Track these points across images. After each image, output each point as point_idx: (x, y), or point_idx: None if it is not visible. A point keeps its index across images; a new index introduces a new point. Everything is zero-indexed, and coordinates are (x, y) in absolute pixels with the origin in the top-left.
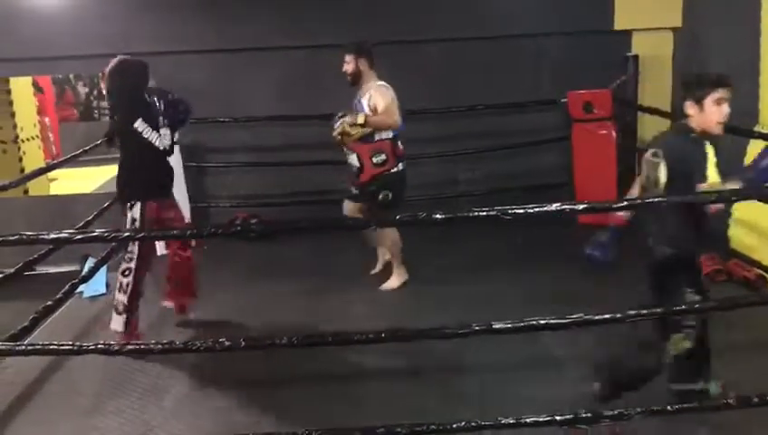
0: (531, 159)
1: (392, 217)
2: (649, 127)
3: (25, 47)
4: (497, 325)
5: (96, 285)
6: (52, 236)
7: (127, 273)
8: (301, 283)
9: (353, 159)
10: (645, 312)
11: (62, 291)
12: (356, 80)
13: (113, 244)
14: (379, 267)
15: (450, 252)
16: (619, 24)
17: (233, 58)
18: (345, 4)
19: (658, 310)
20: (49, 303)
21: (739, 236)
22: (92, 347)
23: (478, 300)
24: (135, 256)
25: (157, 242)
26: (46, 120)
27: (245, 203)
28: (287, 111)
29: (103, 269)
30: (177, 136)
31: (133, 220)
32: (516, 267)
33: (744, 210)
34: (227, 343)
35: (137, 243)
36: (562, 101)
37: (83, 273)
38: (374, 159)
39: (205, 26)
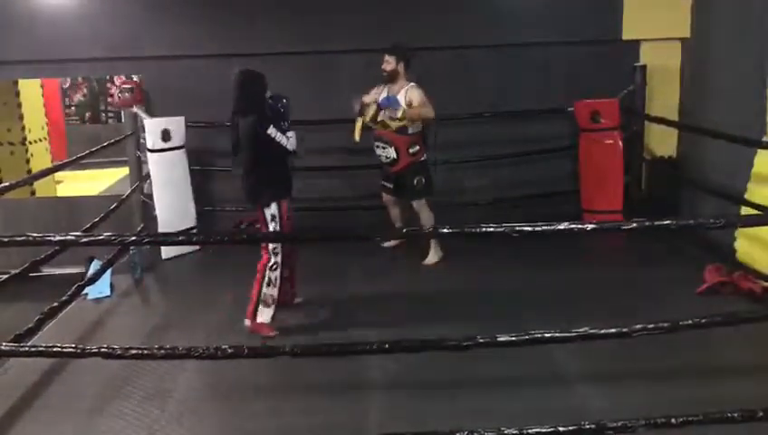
0: (537, 168)
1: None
2: (656, 137)
3: (34, 50)
4: (502, 338)
5: (101, 288)
6: (59, 237)
7: (274, 267)
8: (305, 288)
9: (390, 152)
10: (651, 326)
11: (68, 293)
12: (393, 78)
13: (119, 247)
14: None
15: (455, 258)
16: (628, 34)
17: (241, 63)
18: (353, 10)
19: (665, 324)
20: (54, 304)
21: (745, 248)
22: (95, 350)
23: (485, 308)
24: (280, 251)
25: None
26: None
27: (251, 207)
28: (294, 116)
29: (108, 272)
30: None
31: (273, 217)
32: (521, 272)
33: None
34: (230, 351)
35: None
36: (570, 109)
37: (88, 275)
38: (410, 150)
39: (214, 31)
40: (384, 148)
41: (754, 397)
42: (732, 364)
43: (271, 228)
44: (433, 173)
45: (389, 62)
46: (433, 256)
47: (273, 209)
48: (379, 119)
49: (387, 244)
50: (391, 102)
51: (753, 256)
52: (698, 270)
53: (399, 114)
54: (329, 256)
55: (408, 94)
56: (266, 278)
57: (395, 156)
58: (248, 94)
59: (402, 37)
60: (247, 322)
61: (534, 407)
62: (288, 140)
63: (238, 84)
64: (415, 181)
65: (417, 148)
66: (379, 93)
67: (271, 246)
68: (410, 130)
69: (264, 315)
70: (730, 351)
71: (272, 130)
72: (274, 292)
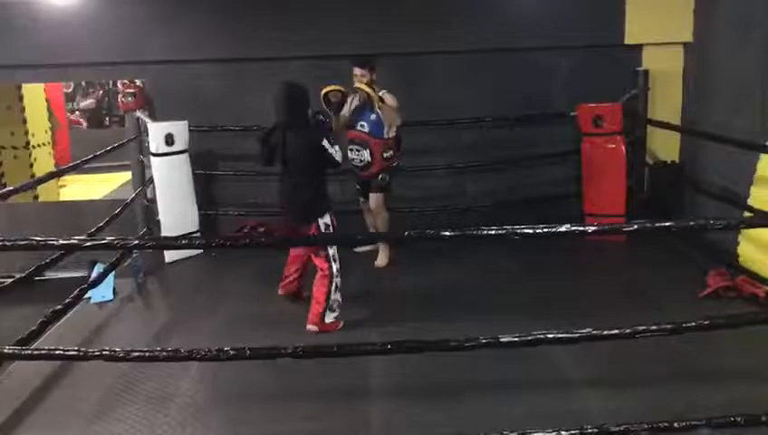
0: (540, 172)
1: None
2: (659, 141)
3: (37, 54)
4: (504, 339)
5: (104, 291)
6: (63, 241)
7: (337, 274)
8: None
9: (365, 155)
10: (654, 328)
11: (71, 296)
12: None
13: (122, 250)
14: (369, 247)
15: (458, 261)
16: (630, 38)
17: (244, 67)
18: (355, 15)
19: (668, 326)
20: (57, 308)
21: (748, 252)
22: (98, 353)
23: (486, 310)
24: (337, 257)
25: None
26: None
27: (254, 212)
28: None
29: (111, 275)
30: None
31: (327, 226)
32: (523, 276)
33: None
34: (232, 353)
35: (334, 246)
36: (572, 114)
37: (91, 278)
38: (384, 154)
39: (217, 36)
40: (359, 150)
41: (758, 401)
42: (735, 368)
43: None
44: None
45: (364, 75)
46: (383, 258)
47: (327, 219)
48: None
49: (359, 249)
50: (366, 115)
51: (755, 261)
52: (701, 274)
53: (373, 92)
54: None
55: (384, 95)
56: (334, 285)
57: (369, 159)
58: (299, 109)
59: (403, 42)
60: (313, 327)
61: (537, 410)
62: (338, 154)
63: (287, 98)
64: (380, 177)
65: (391, 153)
66: (352, 103)
67: (330, 252)
68: (385, 135)
69: (331, 318)
70: (733, 354)
71: (325, 143)
72: (339, 297)
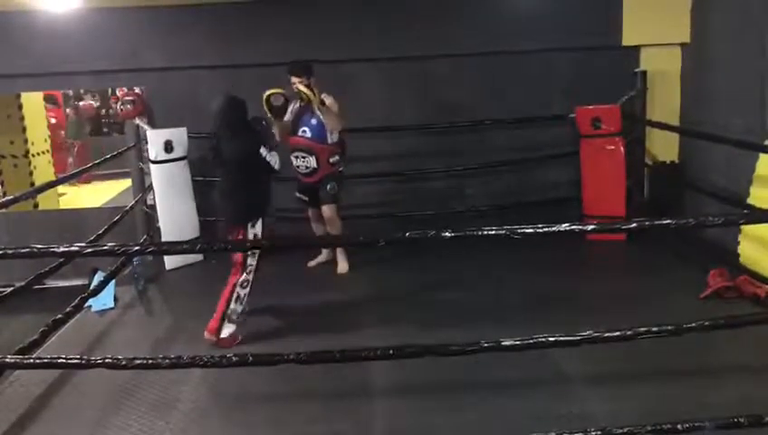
0: (539, 174)
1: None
2: (658, 142)
3: (36, 63)
4: (506, 342)
5: (104, 300)
6: (63, 249)
7: (245, 285)
8: (309, 296)
9: (310, 161)
10: (655, 329)
11: (71, 305)
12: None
13: (122, 258)
14: (322, 258)
15: (458, 264)
16: (628, 40)
17: (242, 74)
18: (353, 20)
19: (669, 327)
20: (58, 316)
21: (749, 252)
22: (100, 361)
23: (487, 313)
24: (254, 270)
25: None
26: (62, 133)
27: None
28: None
29: (112, 283)
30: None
31: (255, 235)
32: (524, 279)
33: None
34: (235, 359)
35: (257, 257)
36: (571, 116)
37: (92, 287)
38: (330, 160)
39: (215, 43)
40: (304, 158)
41: (761, 401)
42: (737, 368)
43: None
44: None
45: (302, 82)
46: (344, 264)
47: (257, 228)
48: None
49: (312, 262)
50: (308, 120)
51: (756, 260)
52: (701, 274)
53: (316, 94)
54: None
55: (327, 98)
56: (235, 294)
57: (315, 165)
58: (234, 118)
59: (403, 46)
60: (210, 336)
61: (539, 413)
62: (274, 160)
63: (223, 109)
64: (328, 187)
65: (337, 158)
66: (293, 110)
67: (248, 262)
68: (330, 140)
69: (227, 331)
70: (735, 354)
71: (262, 150)
72: (239, 308)
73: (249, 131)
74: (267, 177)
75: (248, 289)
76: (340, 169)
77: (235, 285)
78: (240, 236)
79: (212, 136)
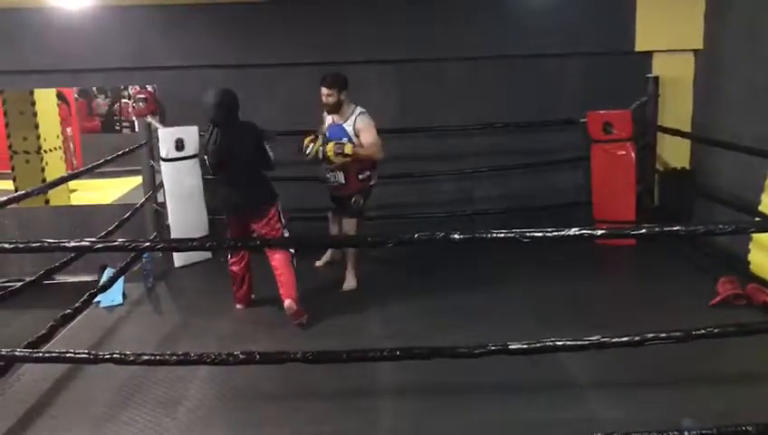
0: (549, 179)
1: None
2: (669, 148)
3: (49, 60)
4: (513, 346)
5: (113, 296)
6: (74, 244)
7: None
8: (315, 297)
9: (339, 177)
10: (664, 335)
11: (80, 300)
12: (336, 109)
13: (132, 255)
14: (327, 258)
15: (467, 267)
16: (640, 45)
17: (253, 73)
18: (365, 22)
19: (678, 334)
20: (67, 311)
21: (759, 260)
22: (108, 356)
23: (495, 315)
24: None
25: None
26: (68, 130)
27: None
28: (305, 126)
29: (121, 280)
30: None
31: (279, 213)
32: (533, 284)
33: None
34: (242, 357)
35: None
36: (582, 121)
37: (101, 283)
38: (360, 176)
39: (227, 42)
40: (333, 171)
41: None
42: (746, 376)
43: (279, 225)
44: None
45: (331, 95)
46: (351, 281)
47: (279, 207)
48: (311, 151)
49: (318, 262)
50: (339, 133)
51: (767, 268)
52: (711, 282)
53: (346, 149)
54: (336, 266)
55: (357, 123)
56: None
57: (343, 181)
58: (234, 114)
59: (415, 48)
60: (292, 303)
61: (547, 417)
62: (272, 155)
63: (225, 103)
64: (353, 200)
65: (368, 173)
66: (326, 122)
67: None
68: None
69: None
70: (744, 362)
71: (266, 145)
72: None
73: (242, 124)
74: (268, 170)
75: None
76: (371, 183)
77: (292, 258)
78: (264, 222)
79: (210, 128)
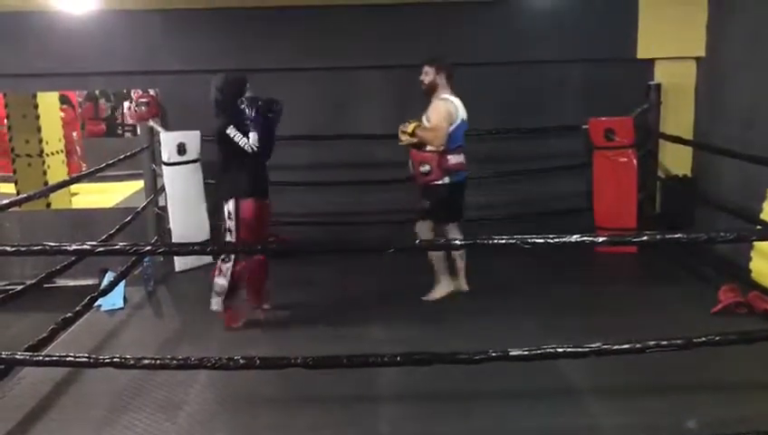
0: (551, 185)
1: (411, 242)
2: (671, 155)
3: (54, 63)
4: (514, 352)
5: (114, 299)
6: (75, 247)
7: (226, 259)
8: (318, 304)
9: (409, 165)
10: (665, 343)
11: (81, 304)
12: (430, 91)
13: (133, 258)
14: (444, 290)
15: (468, 273)
16: (643, 52)
17: (256, 78)
18: (369, 27)
19: (679, 341)
20: (68, 315)
21: (761, 268)
22: (108, 360)
23: (496, 321)
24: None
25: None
26: (74, 134)
27: None
28: (312, 131)
29: (122, 284)
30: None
31: (228, 214)
32: (534, 290)
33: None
34: (242, 361)
35: (233, 235)
36: (584, 127)
37: (102, 286)
38: (421, 169)
39: (230, 46)
40: (409, 161)
41: None
42: (747, 384)
43: (227, 225)
44: (448, 202)
45: (427, 73)
46: (437, 291)
47: (229, 206)
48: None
49: (427, 297)
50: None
51: None
52: (713, 289)
53: (409, 128)
54: (331, 269)
55: (429, 111)
56: (218, 270)
57: (411, 171)
58: (219, 97)
59: (418, 54)
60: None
61: (547, 424)
62: (246, 143)
63: (212, 89)
64: (422, 203)
65: (428, 168)
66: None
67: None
68: (426, 147)
69: (215, 304)
70: (745, 370)
71: (230, 130)
72: (224, 282)
73: (227, 111)
74: (245, 159)
75: (230, 264)
76: (436, 181)
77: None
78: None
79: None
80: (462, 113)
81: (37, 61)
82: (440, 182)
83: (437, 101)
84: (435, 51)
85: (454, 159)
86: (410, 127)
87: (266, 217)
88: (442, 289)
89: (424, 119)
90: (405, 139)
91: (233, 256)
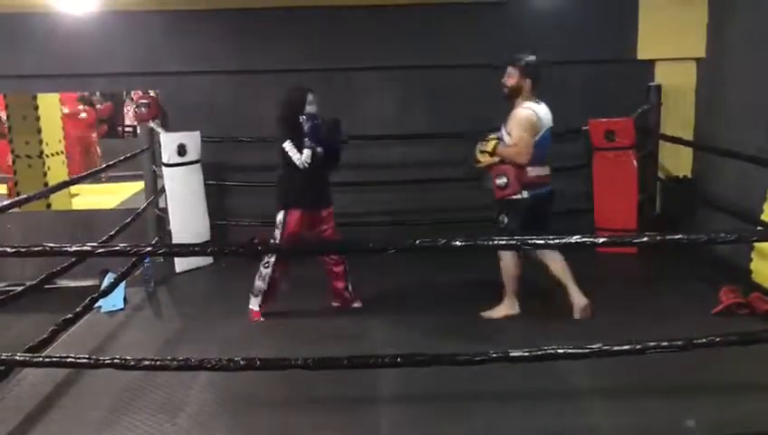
0: (551, 186)
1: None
2: (671, 156)
3: (52, 64)
4: (514, 353)
5: (114, 301)
6: (75, 248)
7: (267, 265)
8: (318, 305)
9: (488, 181)
10: (665, 344)
11: (81, 305)
12: (512, 95)
13: (133, 259)
14: (503, 311)
15: (469, 273)
16: (643, 53)
17: (256, 79)
18: (370, 28)
19: (679, 342)
20: (68, 316)
21: (761, 269)
22: (108, 361)
23: (496, 323)
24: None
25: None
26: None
27: (266, 223)
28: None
29: (122, 285)
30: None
31: (277, 224)
32: (535, 291)
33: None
34: (242, 362)
35: (278, 239)
36: (584, 128)
37: (102, 288)
38: (497, 181)
39: (230, 48)
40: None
41: None
42: (748, 385)
43: (276, 233)
44: (527, 218)
45: (511, 76)
46: (499, 309)
47: (279, 216)
48: (477, 151)
49: (487, 314)
50: (500, 130)
51: None
52: (713, 290)
53: (489, 147)
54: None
55: (510, 124)
56: (258, 272)
57: (490, 186)
58: (279, 115)
59: (417, 55)
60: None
61: (546, 425)
62: (299, 158)
63: (280, 102)
64: (499, 217)
65: (506, 181)
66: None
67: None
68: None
69: (251, 304)
70: (746, 371)
71: (286, 144)
72: (263, 285)
73: (287, 126)
74: (299, 172)
75: (269, 269)
76: (515, 196)
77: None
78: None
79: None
80: (547, 121)
81: (37, 62)
82: (518, 197)
83: (518, 111)
84: (517, 50)
85: (534, 171)
86: (490, 145)
87: (317, 226)
88: (504, 309)
89: (503, 130)
90: (485, 160)
91: (272, 261)
